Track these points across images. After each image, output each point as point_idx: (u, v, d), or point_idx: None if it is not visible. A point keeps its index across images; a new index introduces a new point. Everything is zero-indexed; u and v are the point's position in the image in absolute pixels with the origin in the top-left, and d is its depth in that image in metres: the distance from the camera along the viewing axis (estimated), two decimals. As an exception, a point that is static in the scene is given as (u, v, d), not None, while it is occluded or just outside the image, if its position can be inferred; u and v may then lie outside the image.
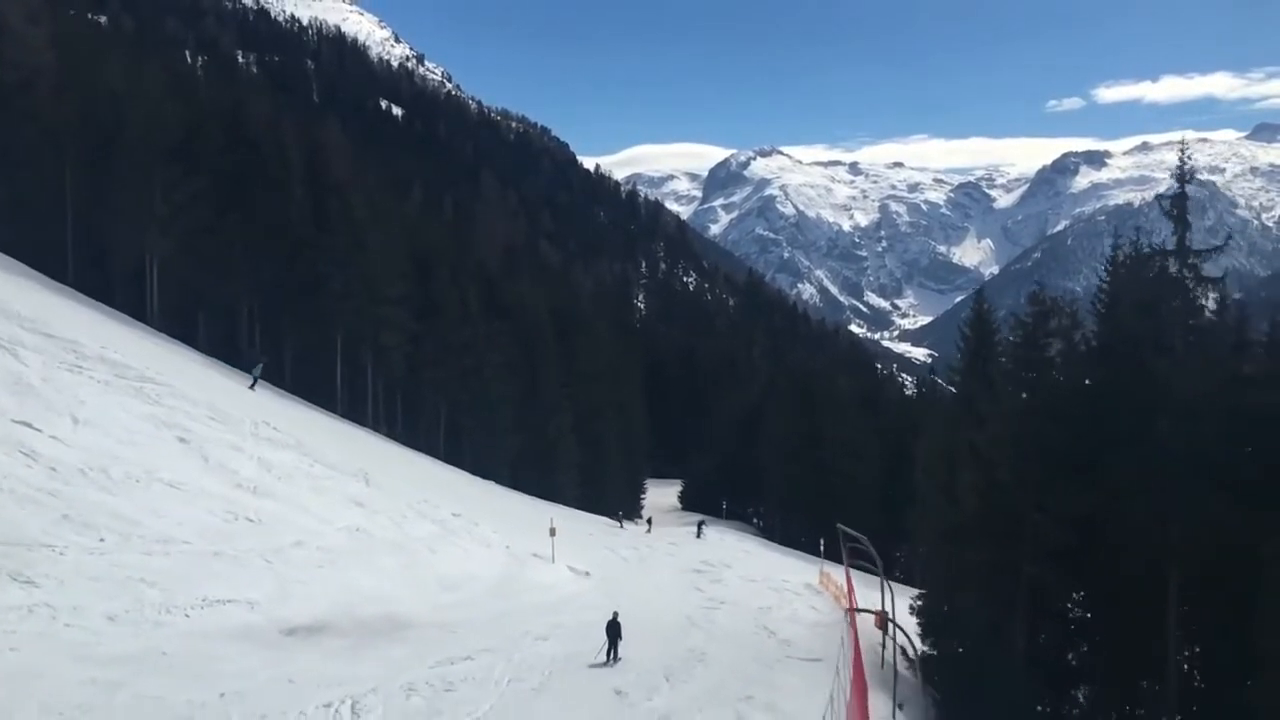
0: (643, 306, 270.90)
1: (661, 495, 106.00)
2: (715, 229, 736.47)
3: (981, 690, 30.85)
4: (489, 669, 26.73)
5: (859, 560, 38.84)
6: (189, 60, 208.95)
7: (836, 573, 47.63)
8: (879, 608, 44.48)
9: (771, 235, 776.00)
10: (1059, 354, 31.61)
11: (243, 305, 62.75)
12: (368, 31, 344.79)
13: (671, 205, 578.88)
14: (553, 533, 43.75)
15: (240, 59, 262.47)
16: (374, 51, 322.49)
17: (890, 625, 31.10)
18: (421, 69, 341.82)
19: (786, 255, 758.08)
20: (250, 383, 51.16)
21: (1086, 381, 31.45)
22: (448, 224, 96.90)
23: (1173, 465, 27.45)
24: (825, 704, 21.57)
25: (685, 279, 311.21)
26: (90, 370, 37.43)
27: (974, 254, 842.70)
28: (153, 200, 56.35)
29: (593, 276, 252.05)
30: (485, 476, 66.93)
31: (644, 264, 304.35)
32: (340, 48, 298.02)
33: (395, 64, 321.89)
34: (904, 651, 37.15)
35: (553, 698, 25.04)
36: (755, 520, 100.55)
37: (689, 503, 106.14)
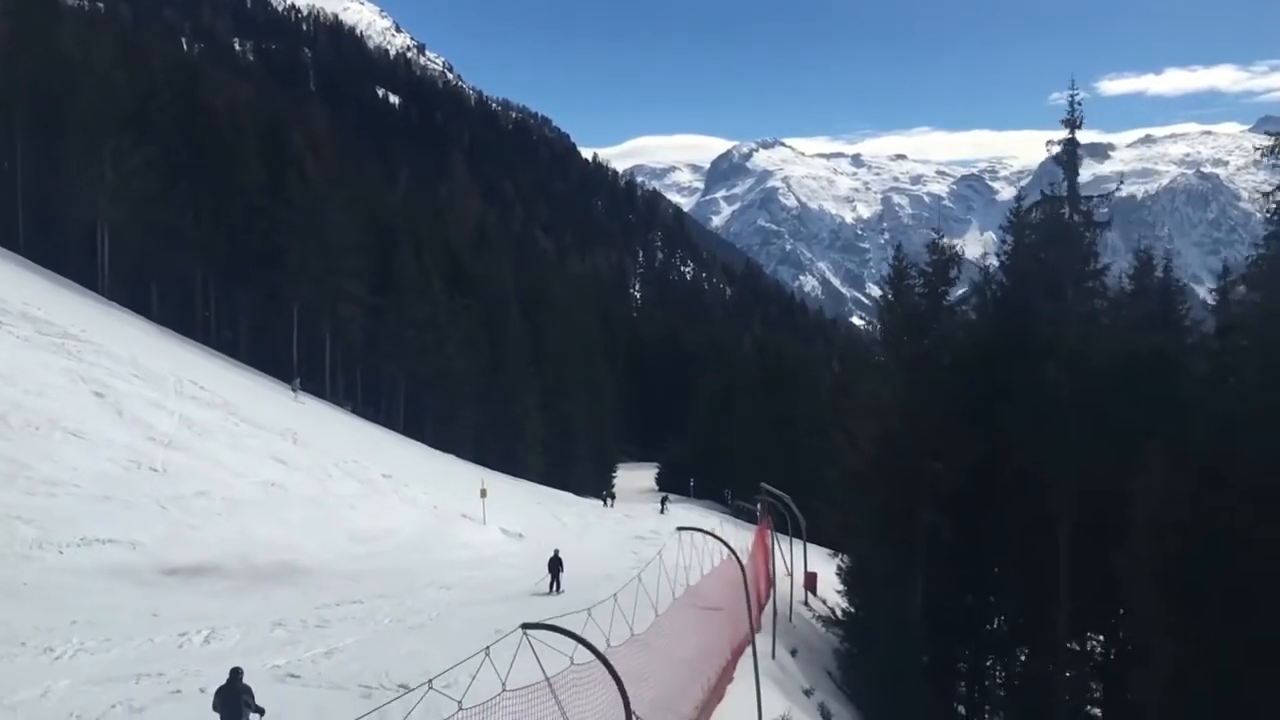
0: (638, 295, 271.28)
1: (641, 479, 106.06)
2: (717, 221, 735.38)
3: (881, 640, 30.90)
4: (374, 611, 26.71)
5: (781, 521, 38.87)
6: (185, 47, 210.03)
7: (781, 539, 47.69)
8: (804, 569, 44.75)
9: (774, 227, 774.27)
10: (961, 304, 31.52)
11: (197, 275, 62.76)
12: (368, 21, 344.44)
13: (674, 197, 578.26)
14: (483, 494, 43.67)
15: (237, 46, 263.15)
16: (374, 41, 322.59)
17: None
18: (422, 59, 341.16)
19: (789, 247, 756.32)
20: (293, 393, 56.05)
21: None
22: (414, 201, 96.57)
23: (1058, 409, 27.41)
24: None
25: (683, 269, 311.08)
26: (10, 326, 37.59)
27: (976, 246, 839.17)
28: (103, 167, 56.34)
29: (588, 266, 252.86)
30: (446, 451, 66.95)
31: (641, 254, 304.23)
32: (337, 36, 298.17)
33: (394, 53, 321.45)
34: (818, 606, 37.32)
35: (426, 634, 24.89)
36: (729, 499, 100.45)
37: (665, 484, 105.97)
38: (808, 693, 25.97)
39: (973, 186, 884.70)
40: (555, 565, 30.33)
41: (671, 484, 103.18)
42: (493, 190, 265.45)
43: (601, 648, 12.25)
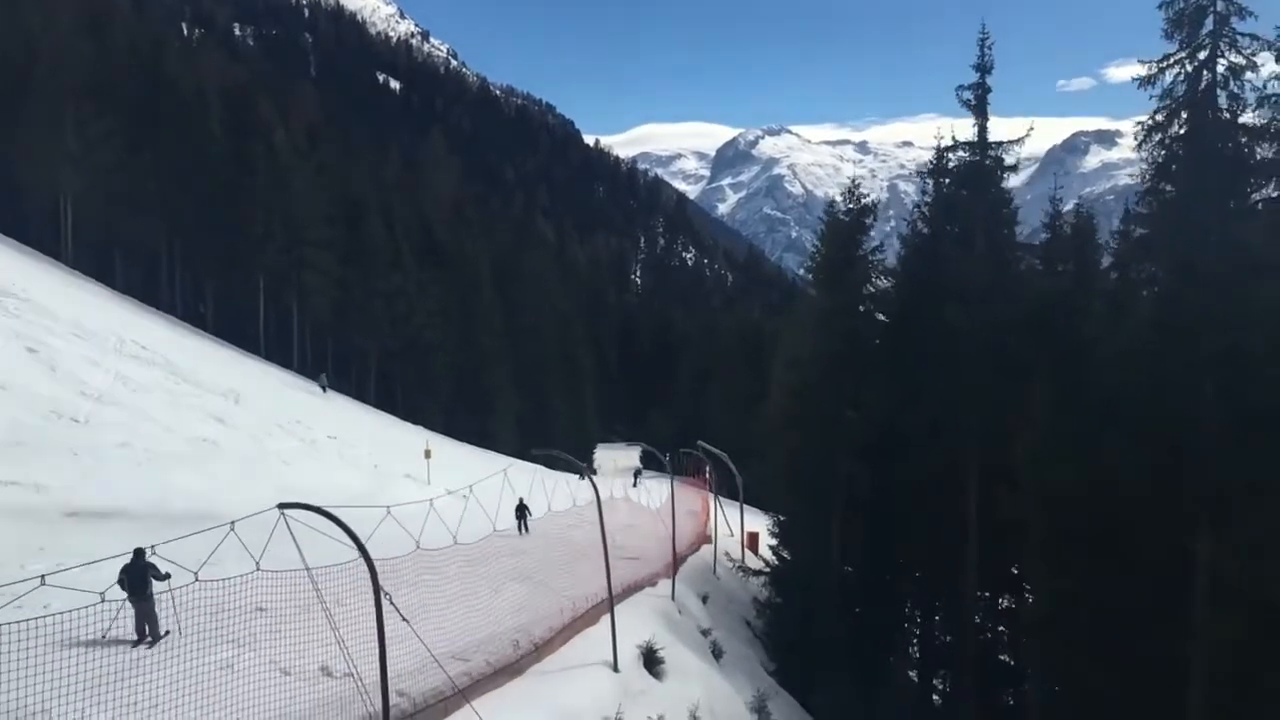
0: (638, 281, 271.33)
1: (627, 458, 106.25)
2: (723, 208, 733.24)
3: (798, 589, 31.00)
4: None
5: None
6: (185, 33, 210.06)
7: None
8: (741, 526, 44.86)
9: (779, 215, 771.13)
10: (876, 252, 31.41)
11: (161, 244, 62.87)
12: (372, 7, 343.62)
13: (679, 184, 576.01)
14: (427, 455, 43.77)
15: (237, 32, 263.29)
16: (377, 27, 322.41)
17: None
18: (427, 45, 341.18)
19: (794, 234, 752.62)
20: (321, 389, 57.42)
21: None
22: (390, 176, 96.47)
23: (965, 355, 27.35)
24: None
25: (684, 255, 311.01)
26: (-57, 283, 37.70)
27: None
28: (64, 136, 56.40)
29: (588, 251, 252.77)
30: (416, 422, 67.03)
31: (642, 240, 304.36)
32: (338, 22, 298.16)
33: (398, 39, 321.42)
34: (757, 564, 37.40)
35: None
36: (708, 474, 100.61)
37: (649, 462, 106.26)
38: (705, 632, 26.07)
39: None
40: (520, 512, 31.30)
41: (655, 462, 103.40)
42: (493, 175, 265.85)
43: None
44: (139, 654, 13.83)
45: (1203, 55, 20.37)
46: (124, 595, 14.10)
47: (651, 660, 20.14)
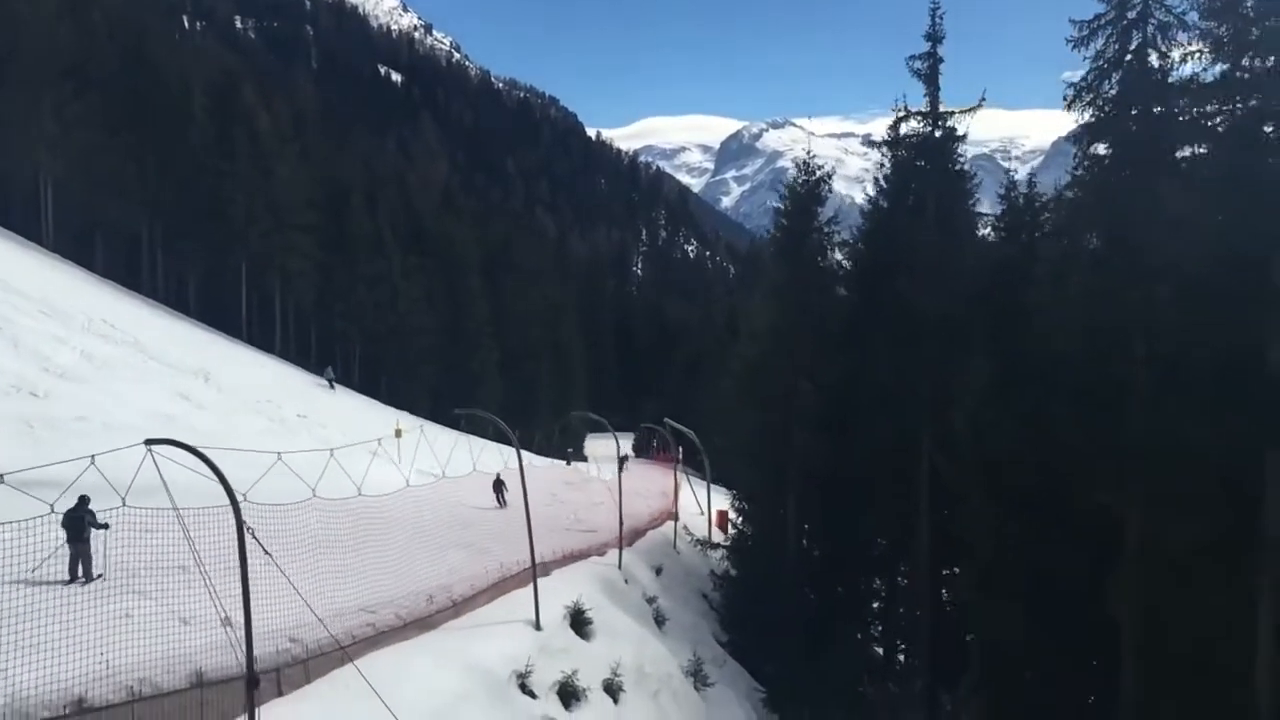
0: (640, 273, 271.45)
1: (621, 446, 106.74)
2: (727, 201, 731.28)
3: (754, 561, 31.01)
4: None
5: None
6: (186, 25, 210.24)
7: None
8: (708, 501, 44.84)
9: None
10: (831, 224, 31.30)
11: (143, 228, 62.91)
12: (375, 0, 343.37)
13: (683, 177, 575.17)
14: (398, 434, 43.72)
15: (239, 24, 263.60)
16: (380, 20, 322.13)
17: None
18: (429, 38, 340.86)
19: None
20: (329, 384, 57.94)
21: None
22: (377, 164, 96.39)
23: (916, 324, 27.30)
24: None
25: (686, 247, 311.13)
26: (-91, 262, 37.76)
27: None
28: (42, 118, 56.37)
29: (589, 243, 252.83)
30: (401, 407, 67.01)
31: (644, 232, 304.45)
32: (340, 14, 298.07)
33: (401, 31, 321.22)
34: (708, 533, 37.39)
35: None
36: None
37: (641, 450, 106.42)
38: (650, 600, 26.09)
39: (984, 166, 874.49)
40: (499, 486, 32.92)
41: (646, 450, 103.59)
42: (494, 167, 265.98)
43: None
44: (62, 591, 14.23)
45: (1132, 14, 20.25)
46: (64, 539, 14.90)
47: (579, 621, 20.13)
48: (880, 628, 32.11)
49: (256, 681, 11.78)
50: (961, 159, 29.06)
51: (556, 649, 18.46)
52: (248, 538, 12.11)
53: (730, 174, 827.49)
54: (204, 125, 63.43)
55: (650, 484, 54.45)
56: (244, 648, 11.83)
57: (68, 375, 35.27)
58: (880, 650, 32.42)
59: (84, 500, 15.20)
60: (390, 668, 15.04)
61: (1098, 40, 20.84)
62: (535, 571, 19.29)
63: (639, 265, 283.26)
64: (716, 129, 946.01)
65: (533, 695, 16.55)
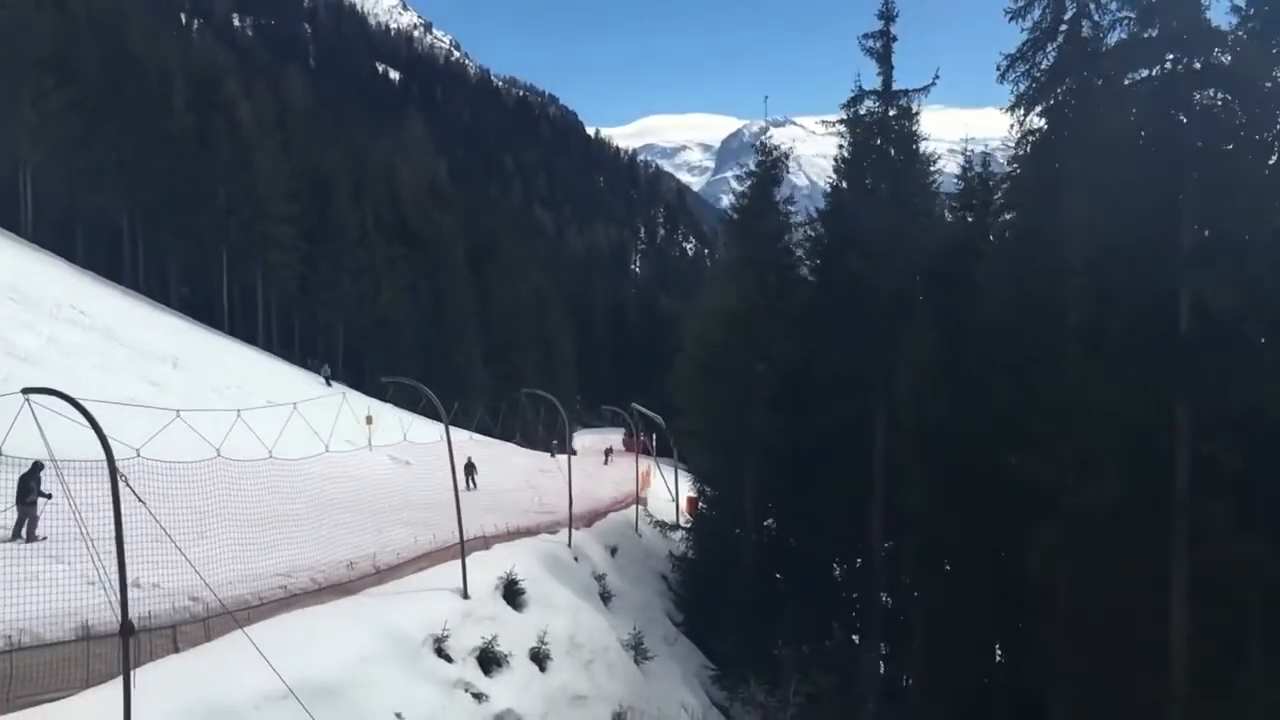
0: (638, 270, 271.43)
1: (611, 440, 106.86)
2: (728, 200, 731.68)
3: (712, 543, 30.99)
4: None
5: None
6: (183, 23, 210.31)
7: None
8: (675, 488, 44.82)
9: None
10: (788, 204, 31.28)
11: (123, 219, 62.92)
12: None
13: (684, 176, 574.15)
14: (368, 421, 43.70)
15: (236, 22, 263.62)
16: (380, 18, 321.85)
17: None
18: (429, 36, 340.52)
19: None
20: (325, 381, 58.47)
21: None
22: (361, 156, 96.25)
23: (869, 303, 27.28)
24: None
25: (684, 244, 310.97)
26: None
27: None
28: (21, 107, 56.36)
29: (587, 240, 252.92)
30: (384, 399, 66.95)
31: (643, 230, 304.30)
32: (338, 12, 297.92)
33: (400, 29, 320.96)
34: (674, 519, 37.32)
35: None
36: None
37: (630, 444, 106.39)
38: (599, 578, 26.04)
39: (983, 165, 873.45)
40: (469, 469, 33.80)
41: (633, 444, 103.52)
42: (492, 164, 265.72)
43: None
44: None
45: (1067, -18, 20.24)
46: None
47: (512, 591, 20.07)
48: (836, 608, 32.03)
49: (131, 629, 11.72)
50: (924, 139, 28.98)
51: (483, 616, 18.39)
52: (122, 487, 12.03)
53: (730, 173, 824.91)
54: (184, 116, 63.39)
55: (628, 472, 54.63)
56: (119, 601, 11.80)
57: (31, 359, 35.18)
58: (837, 628, 32.39)
59: (37, 465, 15.74)
60: (300, 630, 14.99)
61: (1034, 11, 20.80)
62: (462, 534, 19.18)
63: (637, 263, 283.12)
64: (717, 127, 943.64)
65: (449, 659, 16.47)
